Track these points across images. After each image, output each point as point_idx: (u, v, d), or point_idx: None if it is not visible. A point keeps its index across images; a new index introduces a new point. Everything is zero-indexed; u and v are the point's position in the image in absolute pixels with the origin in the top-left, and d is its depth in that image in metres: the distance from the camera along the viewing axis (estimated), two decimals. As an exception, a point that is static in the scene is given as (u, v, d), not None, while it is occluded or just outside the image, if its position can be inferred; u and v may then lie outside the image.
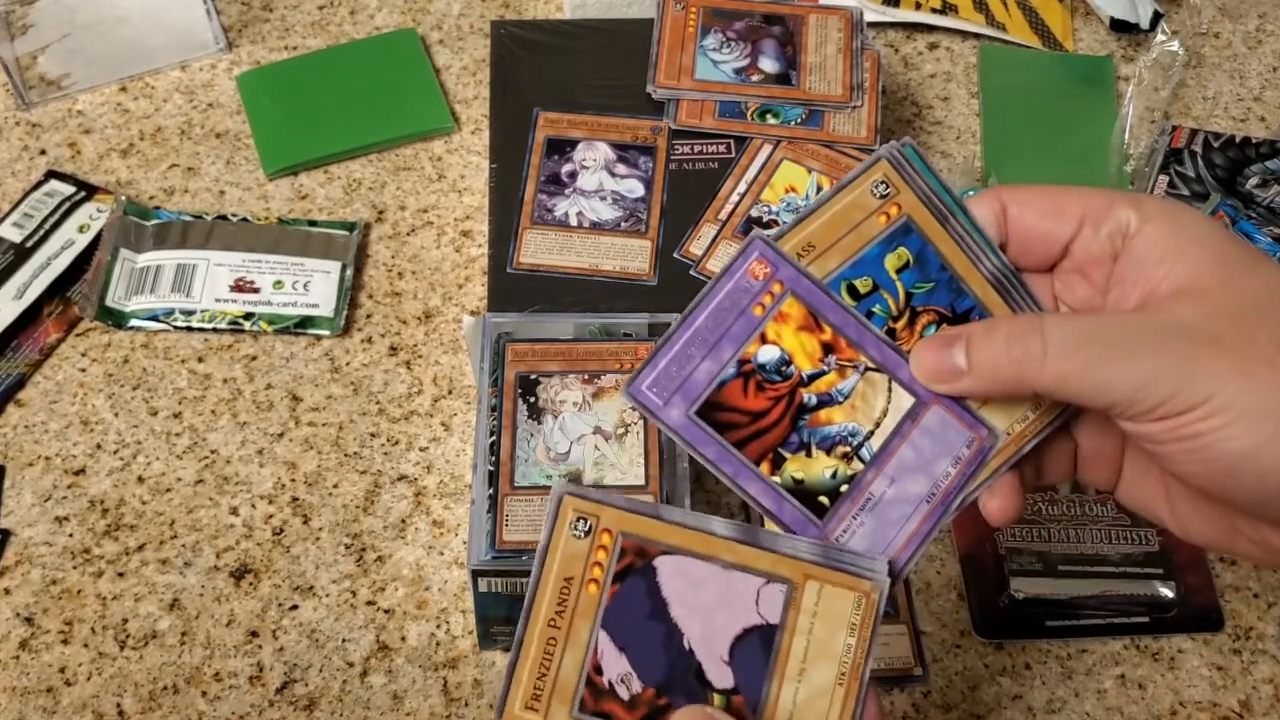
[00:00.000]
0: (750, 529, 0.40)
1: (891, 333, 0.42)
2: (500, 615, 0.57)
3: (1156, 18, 0.83)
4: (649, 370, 0.41)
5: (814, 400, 0.41)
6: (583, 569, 0.39)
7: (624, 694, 0.39)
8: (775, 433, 0.41)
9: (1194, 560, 0.62)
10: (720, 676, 0.39)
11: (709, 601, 0.39)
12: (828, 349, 0.41)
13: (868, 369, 0.41)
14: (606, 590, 0.39)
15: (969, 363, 0.40)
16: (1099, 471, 0.44)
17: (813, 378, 0.41)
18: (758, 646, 0.40)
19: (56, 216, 0.72)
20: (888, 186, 0.42)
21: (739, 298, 0.41)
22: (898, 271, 0.42)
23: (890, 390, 0.41)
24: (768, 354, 0.41)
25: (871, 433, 0.41)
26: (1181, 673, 0.60)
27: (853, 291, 0.42)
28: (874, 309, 0.42)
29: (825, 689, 0.39)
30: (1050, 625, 0.61)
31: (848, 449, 0.41)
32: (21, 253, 0.71)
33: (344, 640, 0.60)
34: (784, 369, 0.41)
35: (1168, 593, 0.61)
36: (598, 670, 0.39)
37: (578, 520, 0.40)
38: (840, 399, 0.41)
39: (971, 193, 0.45)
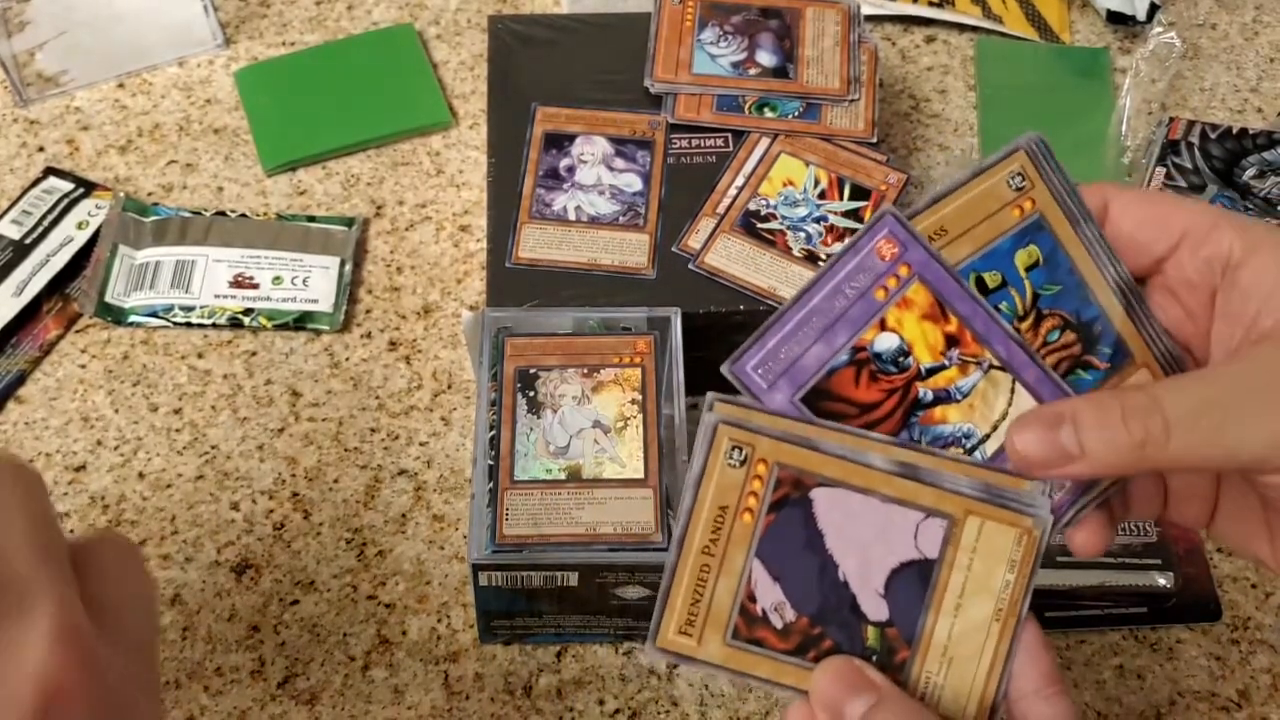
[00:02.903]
0: (911, 464, 0.39)
1: (1016, 332, 0.40)
2: (501, 609, 0.57)
3: (1153, 9, 0.83)
4: (756, 349, 0.39)
5: (930, 396, 0.39)
6: (738, 498, 0.38)
7: (777, 622, 0.39)
8: (885, 427, 0.39)
9: (1192, 551, 0.62)
10: (875, 609, 0.39)
11: (866, 535, 0.38)
12: (951, 341, 0.39)
13: (992, 366, 0.39)
14: (761, 520, 0.38)
15: (1082, 447, 0.37)
16: (1190, 509, 0.42)
17: (931, 371, 0.39)
18: (915, 580, 0.39)
19: (55, 213, 0.72)
20: (1023, 179, 0.40)
21: (861, 278, 0.39)
22: (1027, 269, 0.40)
23: (1013, 392, 0.39)
24: (886, 342, 0.39)
25: (988, 436, 0.39)
26: (1180, 663, 0.60)
27: (980, 284, 0.40)
28: (1000, 306, 0.40)
29: (982, 624, 0.39)
30: (1049, 616, 0.61)
31: (960, 452, 0.39)
32: (21, 250, 0.71)
33: (345, 634, 0.60)
34: (901, 360, 0.39)
35: (1166, 583, 0.61)
36: (751, 598, 0.38)
37: (733, 449, 0.38)
38: (959, 397, 0.39)
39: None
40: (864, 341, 0.39)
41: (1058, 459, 0.37)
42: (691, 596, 0.38)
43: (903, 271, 0.39)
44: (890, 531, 0.38)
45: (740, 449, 0.38)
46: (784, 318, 0.39)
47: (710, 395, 0.39)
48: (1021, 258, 0.40)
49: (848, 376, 0.39)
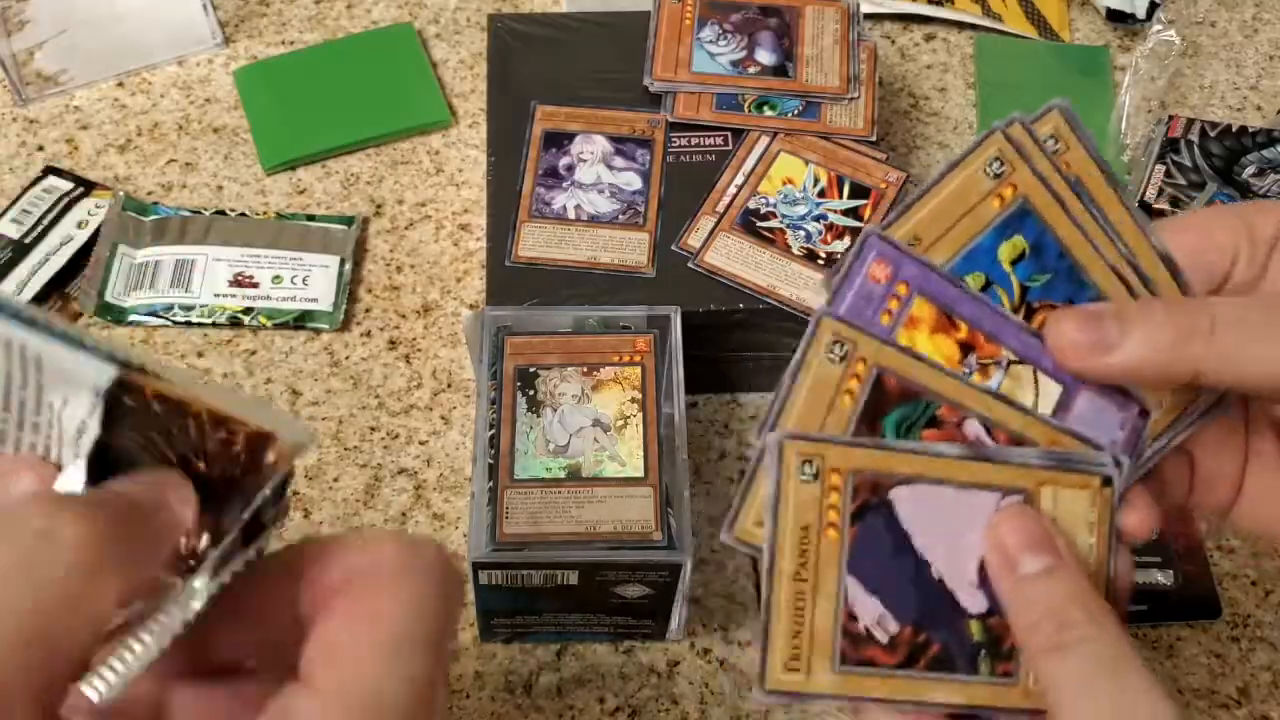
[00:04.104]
0: (978, 445, 0.38)
1: None
2: (501, 607, 0.57)
3: (1153, 7, 0.83)
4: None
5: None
6: (818, 515, 0.37)
7: (882, 637, 0.37)
8: None
9: (1192, 549, 0.63)
10: (973, 601, 0.38)
11: (951, 527, 0.38)
12: (966, 349, 0.38)
13: (1011, 363, 0.38)
14: (847, 533, 0.37)
15: (1121, 334, 0.36)
16: (1216, 492, 0.42)
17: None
18: None
19: (55, 213, 0.72)
20: (1002, 164, 0.39)
21: (862, 307, 0.38)
22: (1012, 263, 0.39)
23: (1037, 381, 0.39)
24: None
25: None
26: (1180, 660, 0.60)
27: None
28: None
29: None
30: (1049, 614, 0.61)
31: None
32: (20, 249, 0.71)
33: (345, 633, 0.60)
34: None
35: (1165, 581, 0.61)
36: (852, 618, 0.37)
37: (803, 464, 0.37)
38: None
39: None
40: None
41: (1094, 346, 0.37)
42: (792, 628, 0.37)
43: (901, 290, 0.38)
44: (973, 519, 0.38)
45: (810, 462, 0.37)
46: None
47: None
48: (1005, 251, 0.39)
49: None
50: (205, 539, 0.32)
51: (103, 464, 0.33)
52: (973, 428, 0.38)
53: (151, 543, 0.29)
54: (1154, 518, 0.40)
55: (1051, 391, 0.39)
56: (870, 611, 0.37)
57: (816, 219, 0.66)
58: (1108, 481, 0.38)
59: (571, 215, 0.67)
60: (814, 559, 0.37)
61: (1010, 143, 0.38)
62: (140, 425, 0.32)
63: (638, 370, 0.58)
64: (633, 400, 0.58)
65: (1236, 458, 0.42)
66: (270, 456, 0.31)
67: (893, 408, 0.38)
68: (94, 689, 0.29)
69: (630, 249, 0.65)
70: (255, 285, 0.70)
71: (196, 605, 0.31)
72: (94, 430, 0.32)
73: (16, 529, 0.26)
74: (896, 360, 0.38)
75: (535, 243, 0.65)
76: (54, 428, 0.33)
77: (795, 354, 0.37)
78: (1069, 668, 0.35)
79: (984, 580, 0.38)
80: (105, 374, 0.32)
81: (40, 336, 0.32)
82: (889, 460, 0.38)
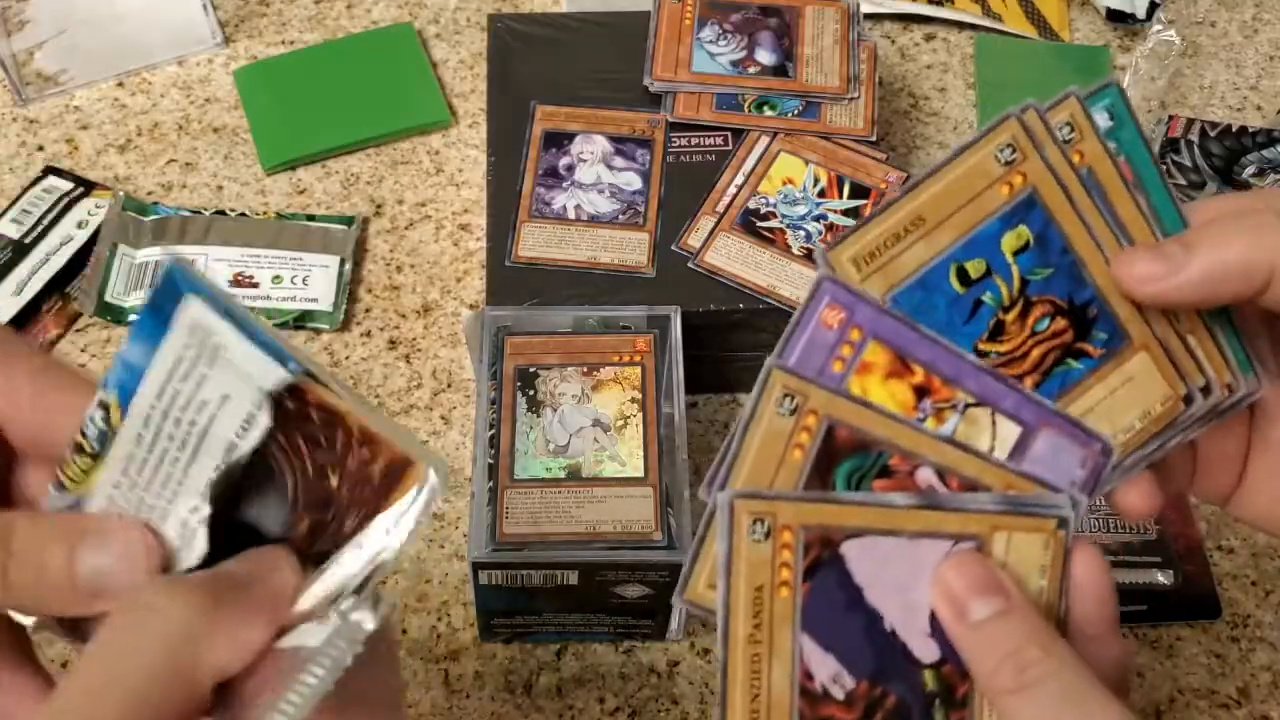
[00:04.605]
0: (928, 494, 0.37)
1: (1000, 325, 0.38)
2: (501, 607, 0.57)
3: (1153, 7, 0.83)
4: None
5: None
6: (771, 574, 0.37)
7: (839, 694, 0.37)
8: None
9: (1192, 549, 0.63)
10: (926, 651, 0.37)
11: (902, 577, 0.37)
12: (921, 393, 0.38)
13: (968, 405, 0.38)
14: (800, 591, 0.37)
15: (1187, 254, 0.36)
16: (1218, 477, 0.42)
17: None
18: None
19: (55, 213, 0.72)
20: (1014, 150, 0.38)
21: (814, 355, 0.37)
22: (1015, 254, 0.38)
23: (995, 424, 0.38)
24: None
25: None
26: (1180, 660, 0.60)
27: (963, 275, 0.38)
28: (984, 297, 0.38)
29: None
30: (1049, 614, 0.61)
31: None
32: (20, 249, 0.71)
33: (345, 633, 0.60)
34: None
35: (1166, 581, 0.61)
36: (808, 676, 0.37)
37: (754, 524, 0.36)
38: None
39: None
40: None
41: (1164, 272, 0.36)
42: (749, 691, 0.36)
43: (854, 336, 0.37)
44: (924, 567, 0.37)
45: (761, 521, 0.37)
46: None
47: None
48: (1009, 241, 0.38)
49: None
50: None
51: (243, 475, 0.34)
52: (925, 475, 0.37)
53: (251, 614, 0.31)
54: (1156, 498, 0.39)
55: (1010, 433, 0.38)
56: (826, 669, 0.37)
57: (816, 219, 0.66)
58: (1063, 523, 0.37)
59: (571, 215, 0.67)
60: (768, 619, 0.37)
61: (1024, 129, 0.38)
62: (291, 429, 0.33)
63: (638, 370, 0.58)
64: (633, 400, 0.58)
65: (1239, 443, 0.41)
66: (405, 486, 0.32)
67: (844, 459, 0.37)
68: None
69: (630, 249, 0.65)
70: (255, 285, 0.70)
71: (367, 630, 0.32)
72: (261, 428, 0.33)
73: (130, 603, 0.30)
74: (848, 411, 0.37)
75: (535, 243, 0.65)
76: (200, 427, 0.33)
77: (745, 408, 0.37)
78: (1033, 707, 0.35)
79: (936, 629, 0.37)
80: (276, 376, 0.32)
81: (229, 326, 0.32)
82: (839, 513, 0.37)
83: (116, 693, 0.28)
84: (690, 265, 0.65)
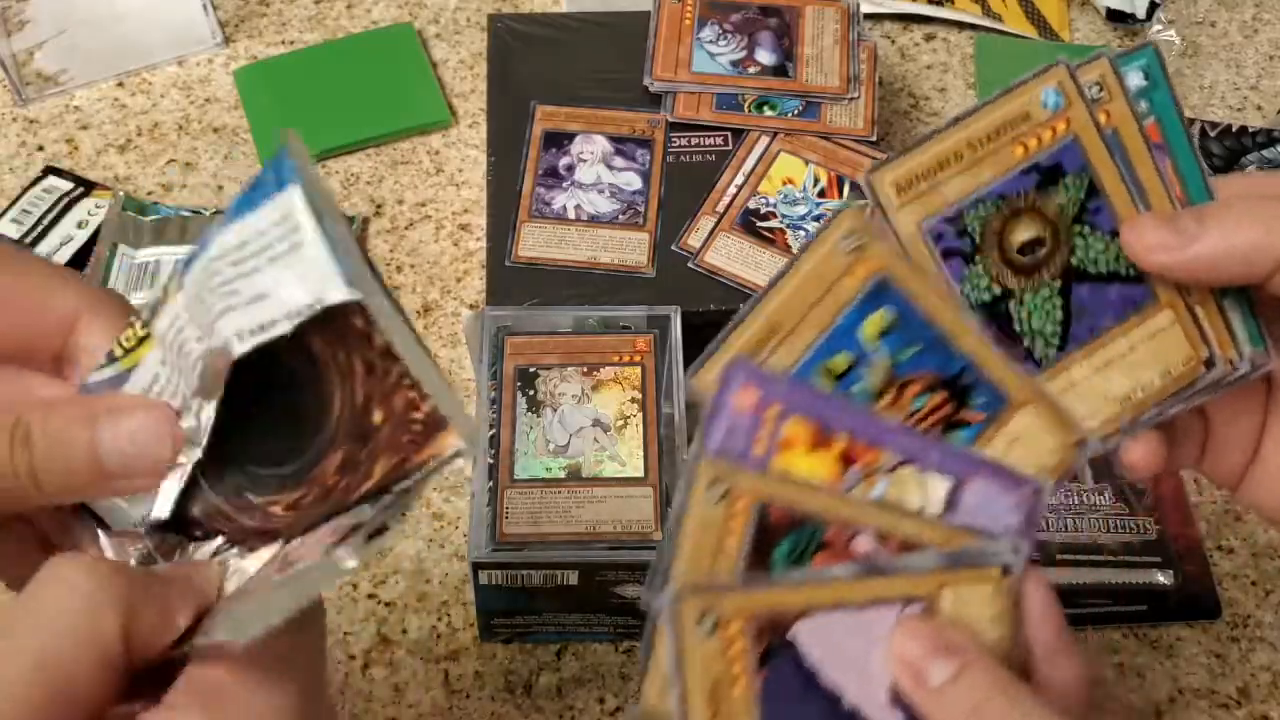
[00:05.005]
0: (869, 561, 0.37)
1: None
2: (501, 607, 0.57)
3: (1153, 7, 0.83)
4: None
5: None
6: (724, 669, 0.36)
7: None
8: None
9: (1192, 549, 0.63)
10: None
11: (856, 650, 0.36)
12: (846, 461, 0.37)
13: (895, 466, 0.37)
14: (755, 682, 0.36)
15: (1200, 227, 0.36)
16: (1230, 456, 0.41)
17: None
18: None
19: (55, 213, 0.72)
20: (856, 239, 0.37)
21: (735, 440, 0.37)
22: (880, 337, 0.38)
23: (923, 482, 0.38)
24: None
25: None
26: (1180, 660, 0.60)
27: (829, 373, 0.38)
28: (854, 389, 0.38)
29: None
30: (1049, 614, 0.61)
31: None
32: (20, 249, 0.71)
33: (345, 633, 0.60)
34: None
35: (1165, 581, 0.61)
36: None
37: (700, 620, 0.36)
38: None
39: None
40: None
41: (1176, 242, 0.36)
42: None
43: (772, 414, 0.37)
44: (876, 637, 0.37)
45: (708, 615, 0.36)
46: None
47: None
48: (870, 326, 0.38)
49: None
50: (360, 493, 0.32)
51: (290, 363, 0.32)
52: (863, 543, 0.37)
53: (169, 600, 0.32)
54: (1160, 455, 0.39)
55: (939, 488, 0.37)
56: None
57: (817, 219, 0.66)
58: (1007, 570, 0.37)
59: (571, 215, 0.67)
60: (727, 716, 0.36)
61: (863, 213, 0.38)
62: (352, 348, 0.32)
63: (638, 370, 0.58)
64: (633, 400, 0.58)
65: (1254, 422, 0.41)
66: (442, 446, 0.31)
67: (780, 539, 0.37)
68: (230, 633, 0.30)
69: (630, 249, 0.65)
70: (255, 285, 0.70)
71: (349, 566, 0.31)
72: (277, 332, 0.31)
73: (49, 575, 0.31)
74: (776, 489, 0.37)
75: (535, 243, 0.65)
76: (211, 319, 0.32)
77: (674, 504, 0.36)
78: None
79: (897, 698, 0.36)
80: (342, 296, 0.31)
81: (318, 230, 0.31)
82: (784, 596, 0.36)
83: (28, 659, 0.29)
84: (690, 265, 0.65)
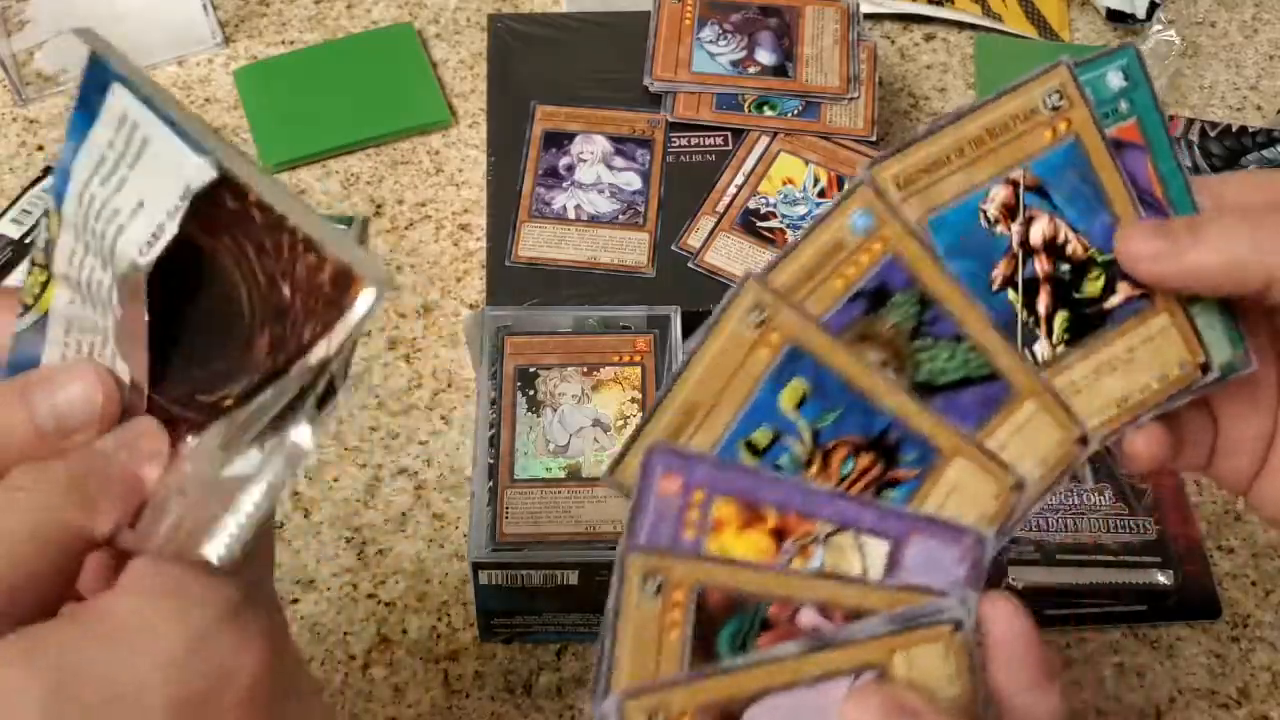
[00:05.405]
0: (815, 635, 0.36)
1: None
2: (501, 607, 0.57)
3: (1153, 7, 0.83)
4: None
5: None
6: None
7: None
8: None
9: (1192, 549, 0.63)
10: None
11: None
12: (779, 535, 0.36)
13: (829, 534, 0.36)
14: None
15: (1194, 239, 0.35)
16: (1239, 460, 0.40)
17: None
18: None
19: (55, 212, 0.72)
20: (761, 310, 0.37)
21: (664, 528, 0.36)
22: (797, 407, 0.37)
23: (860, 546, 0.37)
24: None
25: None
26: (1180, 660, 0.60)
27: (752, 449, 0.37)
28: (780, 461, 0.37)
29: None
30: (1048, 614, 0.61)
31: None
32: (20, 249, 0.71)
33: (345, 634, 0.60)
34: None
35: (1165, 581, 0.61)
36: None
37: None
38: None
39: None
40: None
41: (1168, 251, 0.36)
42: None
43: (698, 498, 0.36)
44: (833, 711, 0.35)
45: (655, 716, 0.35)
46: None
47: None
48: (787, 397, 0.37)
49: None
50: (297, 368, 0.31)
51: (185, 265, 0.32)
52: (808, 617, 0.36)
53: (113, 483, 0.33)
54: (1163, 447, 0.38)
55: (878, 551, 0.36)
56: None
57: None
58: (958, 625, 0.36)
59: (571, 215, 0.67)
60: None
61: (760, 284, 0.37)
62: (237, 231, 0.31)
63: (638, 370, 0.58)
64: (633, 400, 0.58)
65: (1265, 425, 0.40)
66: (354, 297, 0.29)
67: (722, 624, 0.36)
68: (213, 548, 0.30)
69: (630, 249, 0.65)
70: (255, 285, 0.70)
71: (306, 451, 0.31)
72: (169, 234, 0.31)
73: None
74: (712, 573, 0.36)
75: (535, 243, 0.65)
76: (109, 242, 0.31)
77: (608, 605, 0.35)
78: None
79: None
80: (205, 174, 0.30)
81: (155, 118, 0.30)
82: (732, 683, 0.35)
83: None
84: (690, 265, 0.65)
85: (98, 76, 0.31)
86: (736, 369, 0.37)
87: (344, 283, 0.29)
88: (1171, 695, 0.59)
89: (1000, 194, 0.38)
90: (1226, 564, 0.63)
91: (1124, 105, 0.39)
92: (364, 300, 0.29)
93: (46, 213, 0.33)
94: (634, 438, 0.37)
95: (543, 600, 0.56)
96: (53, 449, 0.33)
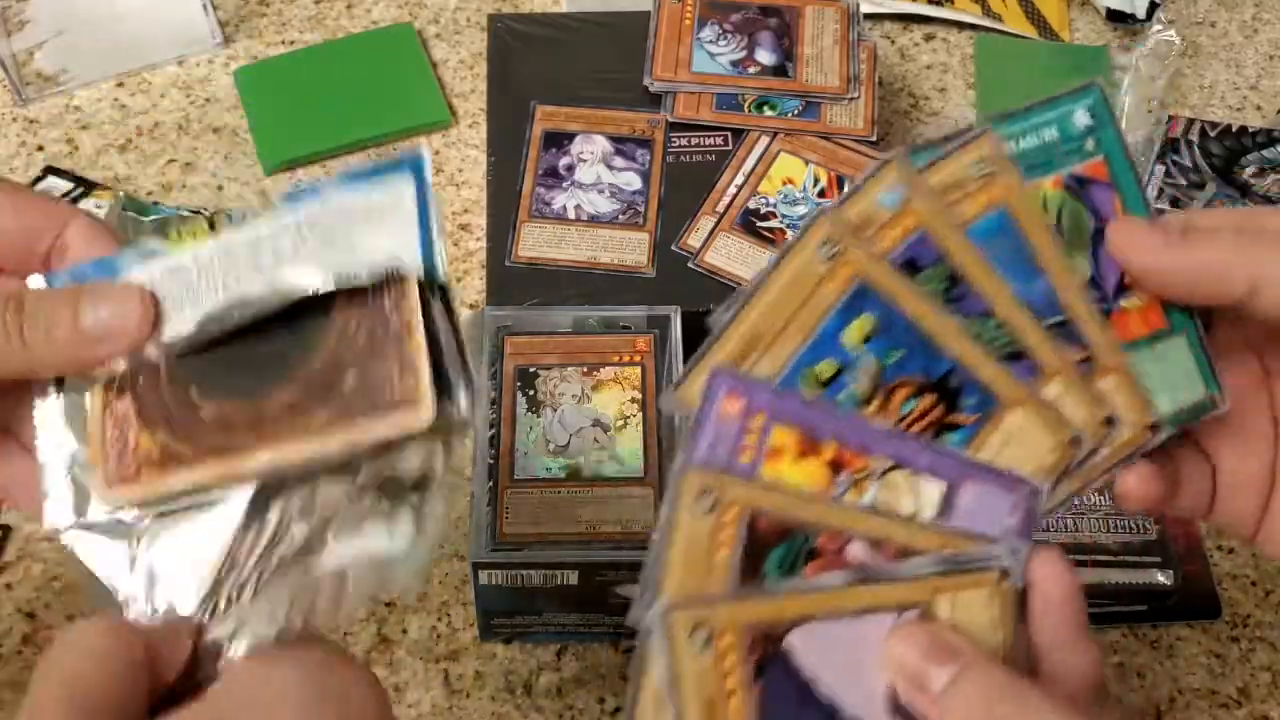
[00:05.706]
0: (863, 568, 0.36)
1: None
2: (501, 607, 0.57)
3: (1153, 7, 0.83)
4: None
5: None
6: (719, 684, 0.35)
7: None
8: None
9: (1192, 549, 0.63)
10: None
11: (852, 660, 0.36)
12: (836, 467, 0.37)
13: (885, 471, 0.37)
14: (752, 696, 0.35)
15: (1184, 237, 0.36)
16: (1241, 503, 0.40)
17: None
18: None
19: (55, 212, 0.72)
20: (833, 245, 0.37)
21: (721, 450, 0.36)
22: (864, 342, 0.37)
23: (915, 486, 0.37)
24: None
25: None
26: (1180, 660, 0.60)
27: (815, 380, 0.37)
28: (839, 396, 0.37)
29: None
30: (1049, 614, 0.61)
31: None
32: (20, 249, 0.71)
33: (345, 634, 0.60)
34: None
35: (1166, 581, 0.61)
36: None
37: (693, 634, 0.35)
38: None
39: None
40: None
41: (1159, 245, 0.37)
42: None
43: (757, 422, 0.36)
44: (872, 646, 0.36)
45: (700, 629, 0.35)
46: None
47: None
48: (853, 333, 0.37)
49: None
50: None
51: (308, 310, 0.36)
52: (856, 550, 0.36)
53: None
54: (1154, 487, 0.38)
55: (932, 492, 0.37)
56: None
57: (816, 219, 0.66)
58: (1005, 574, 0.36)
59: (571, 215, 0.67)
60: None
61: (839, 223, 0.37)
62: (368, 320, 0.36)
63: (638, 370, 0.58)
64: (633, 400, 0.58)
65: (1263, 465, 0.40)
66: (399, 421, 0.35)
67: (771, 548, 0.36)
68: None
69: (630, 249, 0.65)
70: (255, 285, 0.70)
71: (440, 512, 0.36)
72: (358, 282, 0.36)
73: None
74: (765, 498, 0.36)
75: (535, 243, 0.65)
76: (272, 264, 0.37)
77: (661, 517, 0.36)
78: None
79: (898, 707, 0.36)
80: (397, 265, 0.36)
81: (415, 212, 0.36)
82: (777, 607, 0.36)
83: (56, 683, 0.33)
84: (690, 265, 0.65)
85: (409, 163, 0.37)
86: (805, 300, 0.37)
87: (399, 407, 0.34)
88: (1171, 695, 0.59)
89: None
90: (1226, 564, 0.63)
91: (1090, 144, 0.40)
92: (408, 427, 0.34)
93: (278, 199, 0.40)
94: (697, 360, 0.37)
95: (543, 600, 0.56)
96: (88, 350, 0.37)
